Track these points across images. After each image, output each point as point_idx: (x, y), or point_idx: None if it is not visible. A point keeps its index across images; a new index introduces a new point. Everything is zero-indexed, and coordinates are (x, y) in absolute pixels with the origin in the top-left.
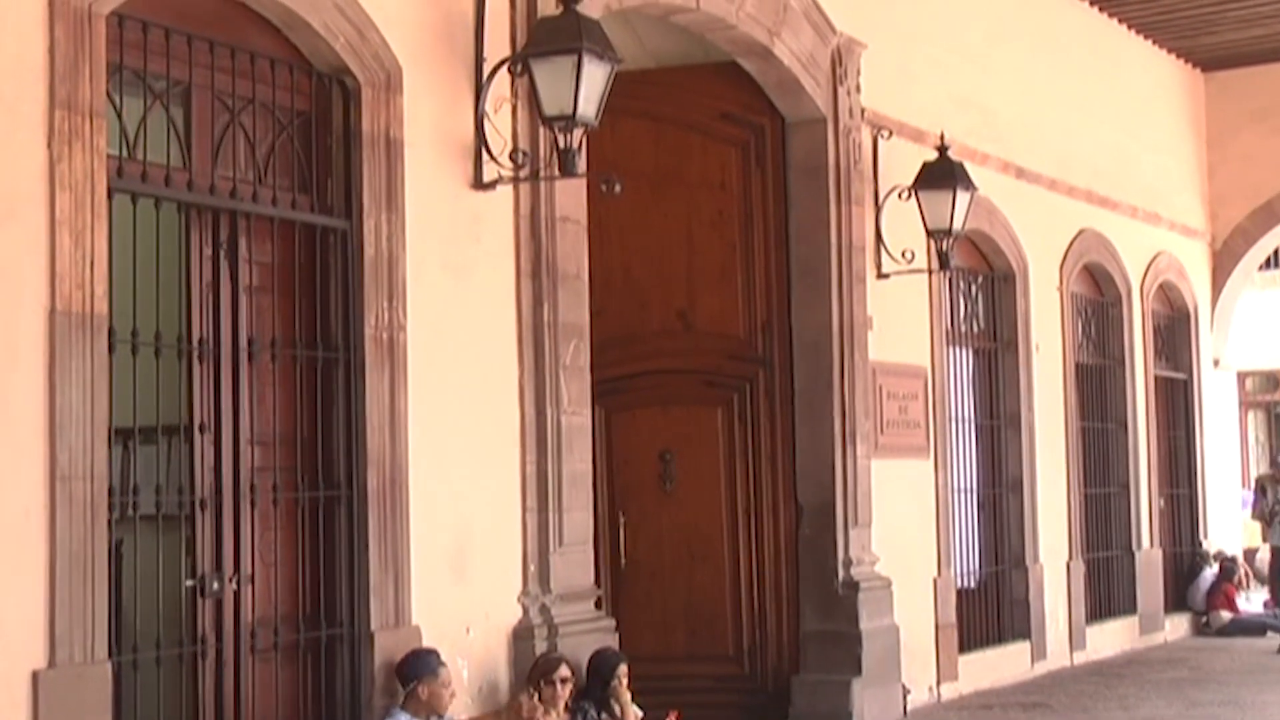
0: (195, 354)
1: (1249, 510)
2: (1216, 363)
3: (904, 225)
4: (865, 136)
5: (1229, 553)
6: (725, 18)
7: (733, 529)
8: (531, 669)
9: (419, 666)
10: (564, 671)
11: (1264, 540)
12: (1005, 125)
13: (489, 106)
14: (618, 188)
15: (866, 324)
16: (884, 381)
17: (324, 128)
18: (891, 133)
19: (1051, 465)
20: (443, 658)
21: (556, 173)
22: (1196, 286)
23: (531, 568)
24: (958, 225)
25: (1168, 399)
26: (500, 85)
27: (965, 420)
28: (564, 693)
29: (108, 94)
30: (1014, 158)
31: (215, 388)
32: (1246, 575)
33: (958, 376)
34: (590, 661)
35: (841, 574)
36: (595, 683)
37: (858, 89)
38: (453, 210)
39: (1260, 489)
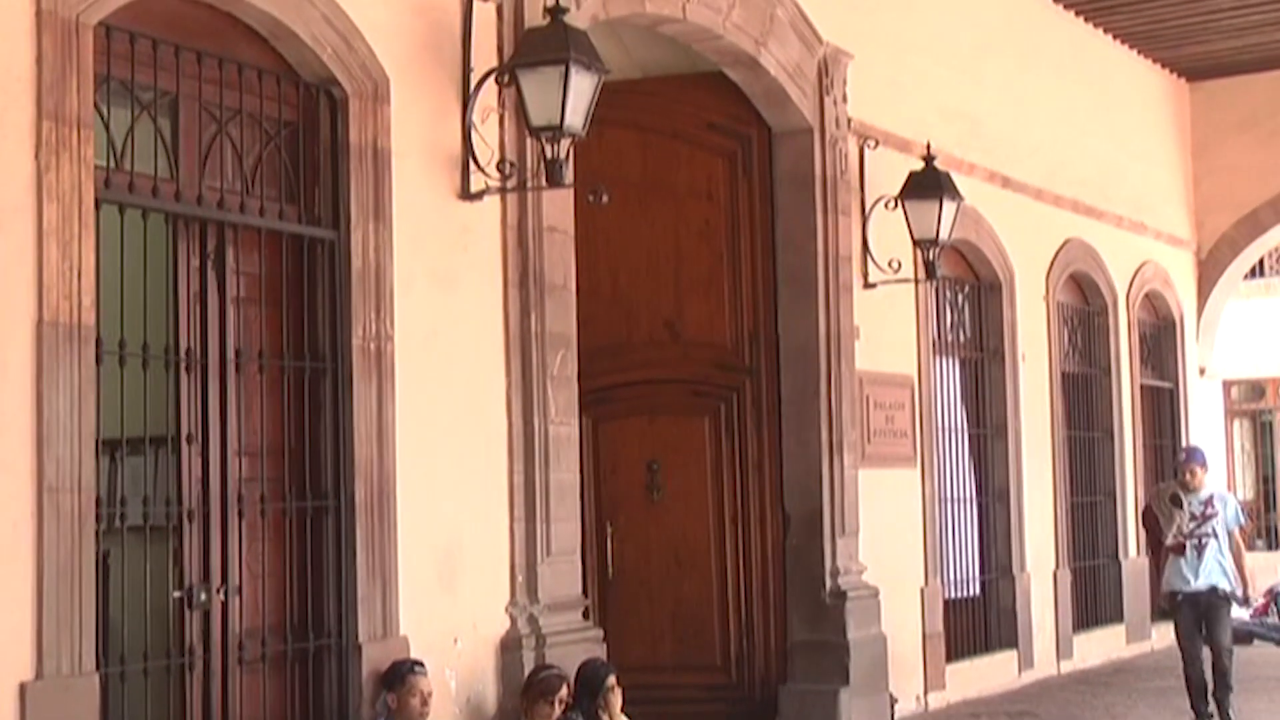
0: (183, 365)
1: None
2: (1202, 371)
3: (891, 235)
4: (852, 146)
5: None
6: (712, 28)
7: (720, 538)
8: (527, 685)
9: (388, 677)
10: (564, 693)
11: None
12: (992, 135)
13: (476, 117)
14: (605, 198)
15: (853, 333)
16: (871, 391)
17: (311, 138)
18: (878, 143)
19: (1038, 474)
20: (422, 667)
21: (544, 183)
22: (1182, 296)
23: (519, 578)
24: (944, 235)
25: (1154, 408)
26: (487, 96)
27: (952, 429)
28: (559, 711)
29: (95, 105)
30: (1000, 167)
31: (203, 398)
32: None
33: (944, 386)
34: (579, 672)
35: (829, 583)
36: (584, 693)
37: (844, 99)
38: (440, 220)
39: (1175, 502)
